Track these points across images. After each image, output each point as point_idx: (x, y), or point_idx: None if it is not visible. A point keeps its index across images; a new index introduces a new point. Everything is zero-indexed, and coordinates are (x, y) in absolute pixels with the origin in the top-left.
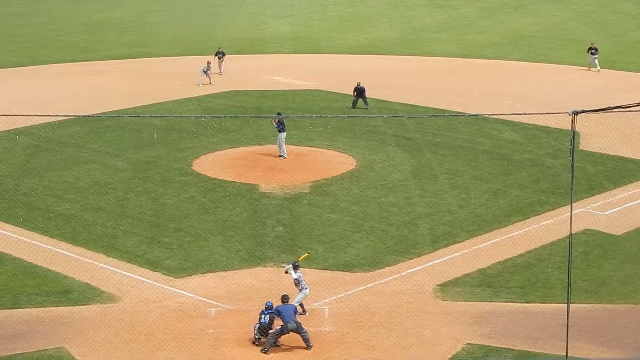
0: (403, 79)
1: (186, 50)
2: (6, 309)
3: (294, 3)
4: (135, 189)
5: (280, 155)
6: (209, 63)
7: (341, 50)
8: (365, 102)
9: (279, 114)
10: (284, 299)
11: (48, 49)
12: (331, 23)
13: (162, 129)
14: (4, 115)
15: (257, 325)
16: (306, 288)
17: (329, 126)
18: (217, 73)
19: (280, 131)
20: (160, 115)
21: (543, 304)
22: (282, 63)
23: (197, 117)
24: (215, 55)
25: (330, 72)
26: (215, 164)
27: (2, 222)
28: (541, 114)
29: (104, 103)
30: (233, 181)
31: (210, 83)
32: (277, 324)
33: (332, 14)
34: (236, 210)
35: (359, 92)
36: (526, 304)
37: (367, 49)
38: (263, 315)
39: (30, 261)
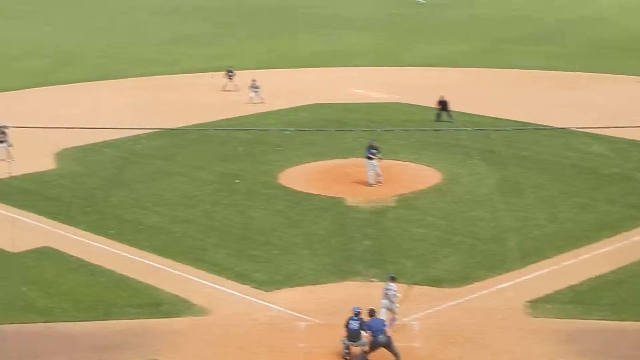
0: (485, 91)
1: (269, 62)
2: (100, 320)
3: (374, 15)
4: (223, 201)
5: (372, 184)
6: (254, 81)
7: (422, 62)
8: (449, 115)
9: (372, 146)
10: (372, 313)
11: (130, 62)
12: (411, 35)
13: (247, 142)
14: (92, 128)
15: (346, 338)
16: (396, 305)
17: (412, 139)
18: (233, 91)
19: (370, 158)
20: (245, 129)
21: (636, 322)
22: (363, 76)
23: (282, 130)
24: (226, 72)
25: (411, 85)
26: (300, 177)
27: (93, 235)
28: (630, 127)
29: (188, 116)
30: (319, 194)
31: (263, 102)
32: (365, 337)
33: (411, 26)
34: (323, 223)
35: (443, 105)
36: (619, 322)
37: (448, 61)
38: (352, 322)
39: (121, 273)
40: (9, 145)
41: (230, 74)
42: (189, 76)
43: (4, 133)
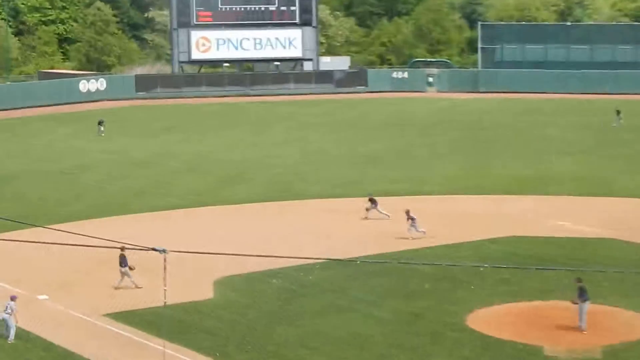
0: None
1: (460, 187)
2: None
3: (578, 139)
4: (400, 344)
5: (580, 327)
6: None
7: (637, 193)
8: None
9: (579, 280)
10: None
11: (305, 182)
12: (619, 162)
13: (432, 277)
14: (260, 255)
15: None
16: None
17: (626, 282)
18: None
19: (583, 300)
20: (432, 263)
21: None
22: (566, 206)
23: (475, 265)
24: (369, 200)
25: (625, 219)
26: (492, 320)
27: None
28: None
29: (366, 245)
30: (512, 340)
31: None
32: None
33: (618, 153)
34: None
35: None
36: None
37: None
38: None
39: None
40: None
41: (373, 205)
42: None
43: None
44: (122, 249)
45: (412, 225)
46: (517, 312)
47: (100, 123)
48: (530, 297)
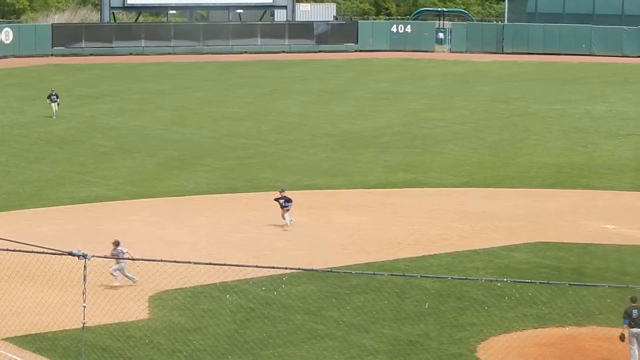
0: None
1: (475, 180)
2: None
3: (635, 116)
4: None
5: None
6: None
7: None
8: None
9: (634, 300)
10: None
11: (277, 170)
12: None
13: (435, 294)
14: (209, 263)
15: None
16: None
17: None
18: None
19: (632, 326)
20: (434, 276)
21: None
22: (617, 204)
23: (490, 280)
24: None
25: None
26: (511, 352)
27: None
28: None
29: (351, 252)
30: None
31: None
32: None
33: None
34: None
35: None
36: None
37: None
38: None
39: None
40: None
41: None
42: None
43: None
44: None
45: (284, 209)
46: (544, 341)
47: (51, 97)
48: (561, 322)
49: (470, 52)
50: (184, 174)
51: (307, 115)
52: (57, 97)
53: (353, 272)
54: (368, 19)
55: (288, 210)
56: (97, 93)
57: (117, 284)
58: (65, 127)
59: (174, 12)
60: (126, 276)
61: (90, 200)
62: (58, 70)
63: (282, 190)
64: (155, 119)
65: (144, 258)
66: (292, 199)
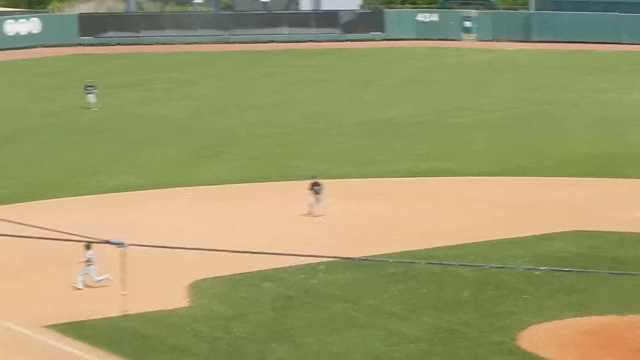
0: None
1: (506, 168)
2: None
3: None
4: None
5: None
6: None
7: None
8: None
9: None
10: None
11: (306, 158)
12: None
13: (474, 282)
14: (246, 252)
15: None
16: None
17: None
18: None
19: None
20: (472, 264)
21: None
22: None
23: (528, 269)
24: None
25: None
26: (551, 340)
27: None
28: None
29: (386, 241)
30: None
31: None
32: None
33: None
34: None
35: None
36: None
37: None
38: None
39: None
40: None
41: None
42: None
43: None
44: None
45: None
46: (584, 330)
47: (88, 88)
48: (601, 311)
49: (497, 41)
50: (214, 162)
51: (334, 104)
52: (95, 88)
53: (390, 260)
54: (394, 8)
55: (319, 196)
56: (125, 82)
57: (80, 287)
58: (95, 116)
59: (200, 1)
60: (97, 281)
61: (122, 189)
62: (87, 60)
63: (315, 177)
64: (182, 108)
65: (181, 246)
66: (324, 186)
